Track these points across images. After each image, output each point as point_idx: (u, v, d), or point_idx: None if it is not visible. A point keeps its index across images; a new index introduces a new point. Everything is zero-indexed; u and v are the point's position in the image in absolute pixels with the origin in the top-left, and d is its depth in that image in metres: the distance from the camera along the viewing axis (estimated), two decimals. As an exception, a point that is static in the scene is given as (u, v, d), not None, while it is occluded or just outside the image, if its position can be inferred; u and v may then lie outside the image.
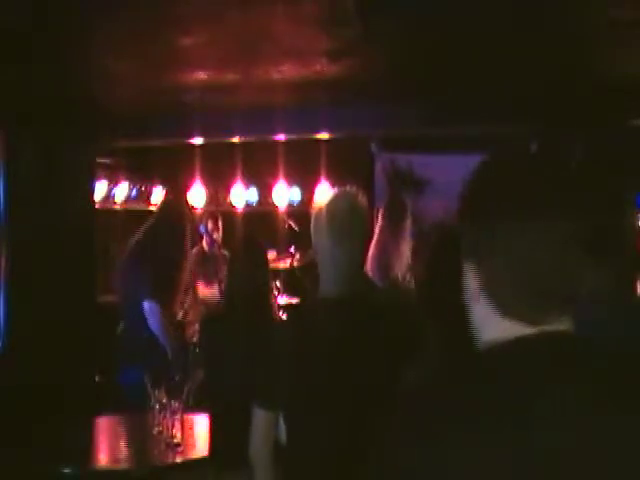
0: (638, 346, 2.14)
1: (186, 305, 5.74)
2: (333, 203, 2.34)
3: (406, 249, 5.39)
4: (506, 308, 1.06)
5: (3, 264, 4.40)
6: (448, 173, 6.30)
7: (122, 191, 6.90)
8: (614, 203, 1.04)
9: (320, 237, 2.27)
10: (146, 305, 4.52)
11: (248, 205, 7.34)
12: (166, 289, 4.63)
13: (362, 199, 2.35)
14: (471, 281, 1.10)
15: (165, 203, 5.32)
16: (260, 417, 2.26)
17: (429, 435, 1.01)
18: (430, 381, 1.18)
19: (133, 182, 7.00)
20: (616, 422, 0.99)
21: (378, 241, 5.32)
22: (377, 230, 5.36)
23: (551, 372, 1.01)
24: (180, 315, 5.61)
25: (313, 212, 2.34)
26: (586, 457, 0.97)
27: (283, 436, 2.31)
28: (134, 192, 7.02)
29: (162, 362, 4.36)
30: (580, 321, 1.07)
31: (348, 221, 2.25)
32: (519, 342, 1.04)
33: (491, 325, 1.08)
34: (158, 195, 7.10)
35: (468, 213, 1.12)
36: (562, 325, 1.06)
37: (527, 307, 1.05)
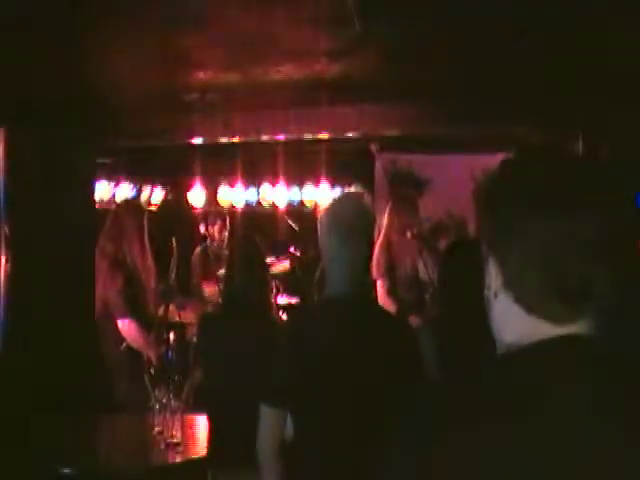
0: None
1: (185, 305, 5.74)
2: (340, 205, 2.37)
3: (408, 247, 5.39)
4: (530, 305, 1.06)
5: (3, 263, 4.40)
6: (448, 173, 6.33)
7: (122, 191, 6.89)
8: (621, 202, 1.04)
9: (328, 238, 2.29)
10: (119, 323, 4.51)
11: (248, 205, 7.34)
12: (137, 300, 4.59)
13: (368, 200, 2.39)
14: (494, 279, 1.10)
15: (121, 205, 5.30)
16: (268, 414, 2.27)
17: (435, 435, 1.00)
18: (439, 381, 1.18)
19: (133, 182, 7.00)
20: (633, 425, 0.99)
21: (380, 240, 5.32)
22: (384, 230, 5.36)
23: (570, 375, 1.01)
24: (178, 316, 5.61)
25: (319, 213, 2.37)
26: (600, 460, 0.97)
27: (290, 433, 2.32)
28: (134, 192, 7.02)
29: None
30: (599, 323, 1.07)
31: (356, 223, 2.27)
32: (539, 345, 1.04)
33: (514, 324, 1.08)
34: (158, 195, 7.11)
35: (488, 212, 1.12)
36: (583, 327, 1.05)
37: (550, 304, 1.04)
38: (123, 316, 4.50)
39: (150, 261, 4.78)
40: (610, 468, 0.97)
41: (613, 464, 0.97)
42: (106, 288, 4.57)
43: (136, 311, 4.56)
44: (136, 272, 4.64)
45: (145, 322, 4.62)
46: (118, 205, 5.74)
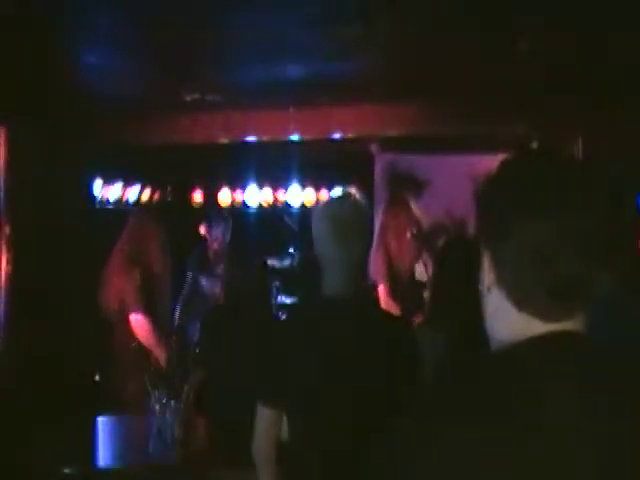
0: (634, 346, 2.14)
1: (186, 305, 5.74)
2: (336, 206, 2.37)
3: (408, 248, 5.39)
4: (521, 301, 1.06)
5: (3, 263, 4.41)
6: (448, 173, 6.32)
7: (122, 191, 6.88)
8: (618, 202, 1.04)
9: (324, 240, 2.29)
10: (132, 317, 4.54)
11: (247, 205, 7.34)
12: (150, 298, 4.65)
13: (364, 200, 2.39)
14: (487, 274, 1.11)
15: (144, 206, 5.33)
16: (264, 415, 2.27)
17: (431, 434, 1.01)
18: (436, 379, 1.19)
19: (133, 182, 6.99)
20: (626, 424, 1.00)
21: (380, 241, 5.32)
22: (378, 230, 5.36)
23: (560, 373, 1.02)
24: (178, 317, 5.61)
25: (315, 214, 2.36)
26: (592, 459, 0.97)
27: (286, 434, 2.32)
28: (134, 192, 7.01)
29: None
30: (591, 321, 1.08)
31: (353, 224, 2.27)
32: (531, 342, 1.05)
33: (506, 320, 1.09)
34: (159, 195, 7.10)
35: (483, 210, 1.13)
36: (574, 325, 1.06)
37: (540, 301, 1.05)
38: (137, 311, 4.52)
39: (168, 265, 4.83)
40: (602, 462, 0.97)
41: (605, 458, 0.97)
42: (123, 284, 4.59)
43: (149, 309, 4.59)
44: (152, 272, 4.68)
45: (157, 322, 4.68)
46: (138, 208, 5.78)
